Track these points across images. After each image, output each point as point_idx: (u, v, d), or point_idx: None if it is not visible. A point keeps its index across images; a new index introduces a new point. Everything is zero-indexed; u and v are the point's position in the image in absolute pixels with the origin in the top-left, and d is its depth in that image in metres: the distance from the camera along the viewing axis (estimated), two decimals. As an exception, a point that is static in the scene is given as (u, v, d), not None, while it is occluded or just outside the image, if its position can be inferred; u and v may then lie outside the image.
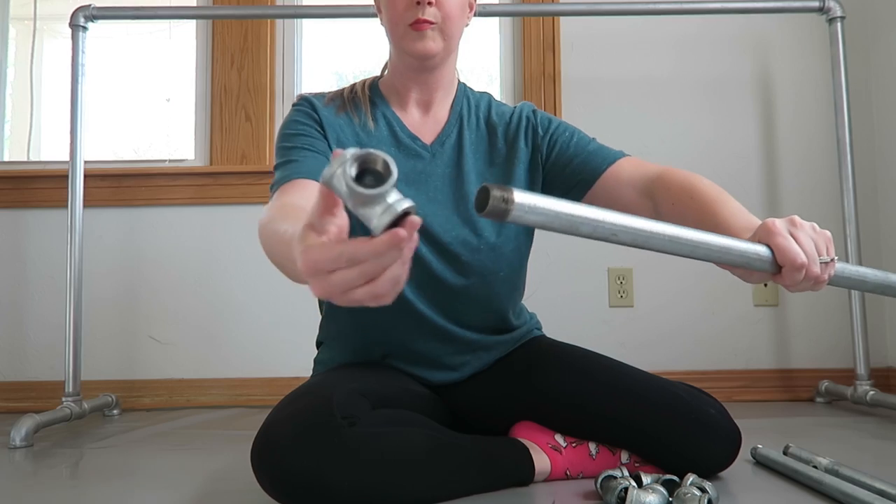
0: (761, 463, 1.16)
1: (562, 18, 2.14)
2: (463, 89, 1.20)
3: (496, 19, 2.22)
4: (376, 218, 0.52)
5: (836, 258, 0.76)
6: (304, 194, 0.95)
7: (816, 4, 1.90)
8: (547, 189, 1.18)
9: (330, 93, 1.18)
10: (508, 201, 0.58)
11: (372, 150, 0.52)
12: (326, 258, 0.53)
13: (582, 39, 2.16)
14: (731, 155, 2.12)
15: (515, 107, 1.21)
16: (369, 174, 0.52)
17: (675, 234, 0.66)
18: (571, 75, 2.14)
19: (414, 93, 1.15)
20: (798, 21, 2.13)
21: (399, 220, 0.52)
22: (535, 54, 2.15)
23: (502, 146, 1.17)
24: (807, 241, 0.74)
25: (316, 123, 1.10)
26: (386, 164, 0.52)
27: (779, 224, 0.75)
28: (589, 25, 2.15)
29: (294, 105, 1.15)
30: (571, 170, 1.14)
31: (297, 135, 1.08)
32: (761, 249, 0.73)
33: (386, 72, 1.20)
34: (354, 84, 1.20)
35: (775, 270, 0.73)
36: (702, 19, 2.12)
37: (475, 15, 1.17)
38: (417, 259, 1.08)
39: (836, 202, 1.94)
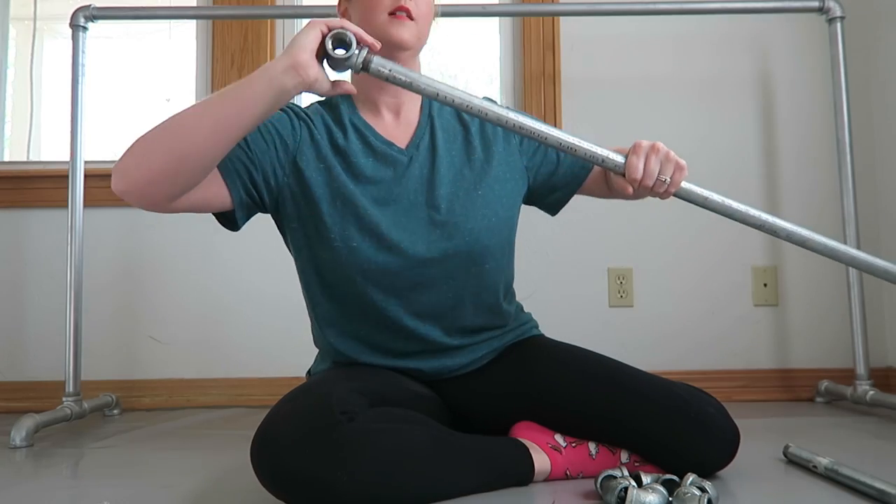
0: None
1: (562, 18, 2.14)
2: None
3: (496, 19, 2.22)
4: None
5: (667, 179, 0.99)
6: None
7: (816, 4, 1.90)
8: (537, 195, 1.23)
9: (310, 105, 1.17)
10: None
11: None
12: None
13: (582, 39, 2.16)
14: (731, 155, 2.12)
15: None
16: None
17: (563, 137, 0.96)
18: (571, 75, 2.14)
19: (384, 96, 1.15)
20: (798, 21, 2.13)
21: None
22: (535, 54, 2.15)
23: (478, 144, 1.18)
24: (654, 162, 0.98)
25: (281, 139, 1.08)
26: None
27: (642, 146, 0.99)
28: (589, 25, 2.15)
29: (287, 109, 1.12)
30: (560, 176, 1.20)
31: (258, 134, 1.06)
32: (618, 158, 1.00)
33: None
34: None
35: (623, 174, 1.00)
36: (702, 19, 2.12)
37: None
38: (398, 278, 1.09)
39: (836, 202, 1.94)
